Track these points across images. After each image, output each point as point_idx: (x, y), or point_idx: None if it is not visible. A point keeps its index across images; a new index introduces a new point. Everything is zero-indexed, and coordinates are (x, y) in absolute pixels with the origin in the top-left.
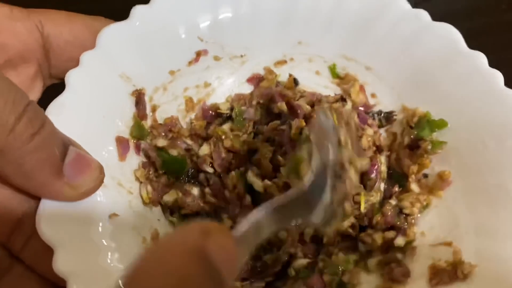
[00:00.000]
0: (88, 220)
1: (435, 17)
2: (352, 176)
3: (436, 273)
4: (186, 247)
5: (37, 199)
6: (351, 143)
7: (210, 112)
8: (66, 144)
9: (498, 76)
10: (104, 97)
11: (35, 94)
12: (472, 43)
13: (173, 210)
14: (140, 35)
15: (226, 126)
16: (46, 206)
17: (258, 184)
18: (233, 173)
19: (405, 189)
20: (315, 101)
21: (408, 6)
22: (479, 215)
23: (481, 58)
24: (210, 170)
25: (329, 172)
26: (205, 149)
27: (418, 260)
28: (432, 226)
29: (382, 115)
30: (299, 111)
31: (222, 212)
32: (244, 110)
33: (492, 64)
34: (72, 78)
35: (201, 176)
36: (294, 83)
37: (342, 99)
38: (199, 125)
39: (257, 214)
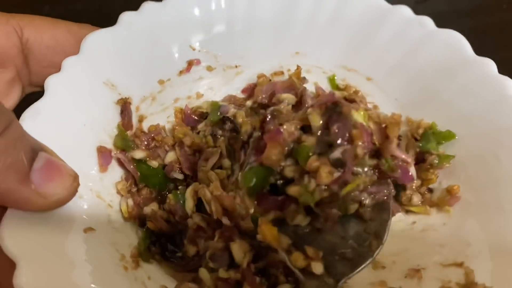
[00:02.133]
0: (59, 233)
1: (436, 16)
2: None
3: None
4: None
5: (4, 210)
6: None
7: (193, 116)
8: (35, 149)
9: (508, 83)
10: (86, 104)
11: (11, 100)
12: (473, 42)
13: (144, 223)
14: (127, 42)
15: (201, 125)
16: (12, 215)
17: (189, 203)
18: (169, 195)
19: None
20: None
21: (410, 13)
22: (493, 234)
23: (490, 65)
24: (179, 176)
25: None
26: (171, 156)
27: (425, 284)
28: (442, 244)
29: None
30: (308, 100)
31: (183, 236)
32: (221, 104)
33: None
34: (51, 83)
35: (171, 186)
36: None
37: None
38: (181, 132)
39: None
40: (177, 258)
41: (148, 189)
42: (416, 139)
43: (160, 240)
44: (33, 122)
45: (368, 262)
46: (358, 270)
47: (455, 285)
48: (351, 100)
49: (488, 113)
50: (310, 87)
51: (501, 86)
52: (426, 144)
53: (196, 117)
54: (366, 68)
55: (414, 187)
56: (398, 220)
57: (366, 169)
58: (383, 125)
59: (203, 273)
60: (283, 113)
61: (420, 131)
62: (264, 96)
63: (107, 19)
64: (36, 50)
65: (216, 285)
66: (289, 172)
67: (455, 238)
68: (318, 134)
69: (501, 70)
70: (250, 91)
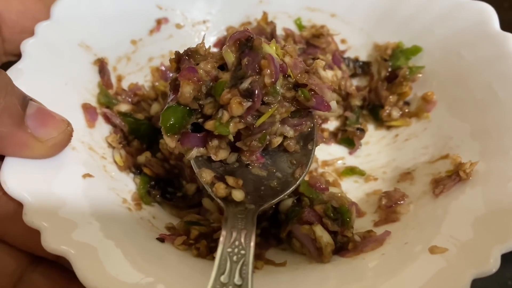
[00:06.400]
0: (57, 178)
1: None
2: None
3: (438, 184)
4: None
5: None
6: None
7: (169, 73)
8: (26, 97)
9: None
10: (65, 65)
11: None
12: None
13: (140, 171)
14: (96, 5)
15: None
16: (11, 163)
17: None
18: (161, 140)
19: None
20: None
21: None
22: (472, 121)
23: None
24: None
25: None
26: (156, 107)
27: (418, 182)
28: (426, 146)
29: (358, 63)
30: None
31: (181, 178)
32: None
33: None
34: (28, 47)
35: (159, 137)
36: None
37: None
38: (163, 84)
39: None
40: (178, 198)
41: (138, 141)
42: (385, 60)
43: (159, 184)
44: (16, 81)
45: (291, 188)
46: (281, 196)
47: (445, 173)
48: (318, 36)
49: (445, 20)
50: (279, 32)
51: None
52: (396, 62)
53: (173, 73)
54: (329, 4)
55: (391, 102)
56: (382, 137)
57: (279, 98)
58: (300, 60)
59: (207, 202)
60: (200, 53)
61: (389, 51)
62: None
63: None
64: (7, 16)
65: (220, 210)
66: (208, 109)
67: (437, 137)
68: (233, 70)
69: None
70: (221, 44)
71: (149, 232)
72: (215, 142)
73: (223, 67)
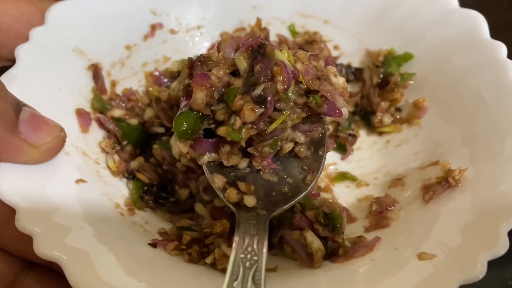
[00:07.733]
0: (51, 184)
1: None
2: None
3: (428, 190)
4: None
5: None
6: None
7: (163, 78)
8: (19, 102)
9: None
10: (59, 70)
11: None
12: None
13: (133, 176)
14: (91, 11)
15: (174, 83)
16: (5, 169)
17: (175, 148)
18: (154, 146)
19: None
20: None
21: None
22: (461, 128)
23: None
24: (160, 129)
25: None
26: (149, 112)
27: (408, 188)
28: (417, 152)
29: (350, 69)
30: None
31: (174, 183)
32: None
33: None
34: (22, 52)
35: (152, 142)
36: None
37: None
38: (157, 89)
39: None
40: (171, 203)
41: (132, 146)
42: (377, 66)
43: (152, 189)
44: (10, 87)
45: (303, 194)
46: (292, 202)
47: (435, 179)
48: (311, 42)
49: (436, 27)
50: (272, 38)
51: (445, 2)
52: (387, 68)
53: (167, 79)
54: (321, 11)
55: (383, 108)
56: (374, 143)
57: (291, 104)
58: (311, 66)
59: (199, 207)
60: (212, 59)
61: (381, 58)
62: (229, 51)
63: None
64: (1, 21)
65: (212, 216)
66: (220, 115)
67: (428, 143)
68: (245, 76)
69: None
70: (215, 49)
71: (141, 237)
72: (227, 148)
73: (235, 73)
